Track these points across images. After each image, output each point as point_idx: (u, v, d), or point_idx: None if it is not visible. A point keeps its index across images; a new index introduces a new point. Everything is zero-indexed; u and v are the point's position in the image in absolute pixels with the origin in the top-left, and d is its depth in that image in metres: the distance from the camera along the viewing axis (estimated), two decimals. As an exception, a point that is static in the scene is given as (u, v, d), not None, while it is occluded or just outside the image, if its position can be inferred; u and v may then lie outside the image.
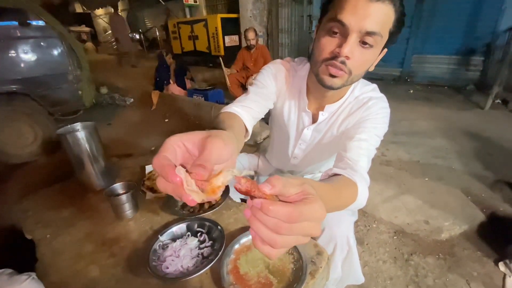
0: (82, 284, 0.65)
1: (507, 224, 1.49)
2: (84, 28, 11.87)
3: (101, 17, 12.74)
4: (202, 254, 0.69)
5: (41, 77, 2.42)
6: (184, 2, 7.42)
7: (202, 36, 6.27)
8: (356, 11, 0.55)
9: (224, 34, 5.86)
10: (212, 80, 5.10)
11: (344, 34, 0.57)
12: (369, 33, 0.56)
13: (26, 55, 2.32)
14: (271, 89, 0.81)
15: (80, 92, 2.69)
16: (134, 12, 11.05)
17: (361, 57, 0.59)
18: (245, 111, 0.73)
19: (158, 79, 4.32)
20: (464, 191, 1.77)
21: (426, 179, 1.94)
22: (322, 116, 0.78)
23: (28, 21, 2.32)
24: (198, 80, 4.95)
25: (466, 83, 4.13)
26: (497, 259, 1.29)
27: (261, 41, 5.08)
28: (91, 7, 11.62)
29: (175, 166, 0.30)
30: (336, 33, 0.58)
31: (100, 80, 4.80)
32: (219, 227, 0.75)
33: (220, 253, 0.66)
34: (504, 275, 1.23)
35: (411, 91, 4.28)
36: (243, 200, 1.04)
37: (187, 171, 0.31)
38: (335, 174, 0.62)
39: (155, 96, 4.11)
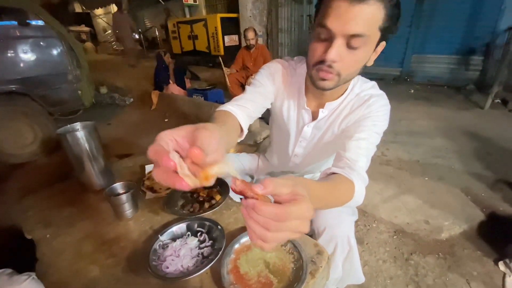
0: (82, 284, 0.65)
1: (507, 223, 1.50)
2: (83, 28, 11.85)
3: (100, 17, 12.73)
4: (202, 253, 0.69)
5: (41, 77, 2.41)
6: (183, 1, 7.41)
7: (201, 36, 6.26)
8: (339, 16, 0.56)
9: (223, 33, 5.85)
10: (212, 80, 5.10)
11: (331, 39, 0.59)
12: (354, 36, 0.57)
13: (26, 55, 2.31)
14: (268, 89, 0.83)
15: (79, 92, 2.69)
16: (134, 11, 11.04)
17: (349, 59, 0.61)
18: (240, 109, 0.75)
19: (157, 79, 4.31)
20: (464, 190, 1.78)
21: (426, 178, 1.94)
22: (322, 113, 0.79)
23: (27, 21, 2.32)
24: (201, 78, 4.94)
25: (466, 83, 4.13)
26: (497, 258, 1.30)
27: (260, 41, 5.07)
28: (91, 7, 11.62)
29: (169, 153, 0.32)
30: (323, 38, 0.60)
31: (99, 80, 4.79)
32: (219, 226, 0.75)
33: (220, 252, 0.66)
34: (504, 274, 1.23)
35: (411, 91, 4.28)
36: (243, 200, 1.04)
37: (181, 156, 0.33)
38: (333, 173, 0.64)
39: (155, 96, 4.11)
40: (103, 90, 4.70)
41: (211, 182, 0.35)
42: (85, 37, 11.65)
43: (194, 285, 0.61)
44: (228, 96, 3.81)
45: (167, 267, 0.64)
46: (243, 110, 0.76)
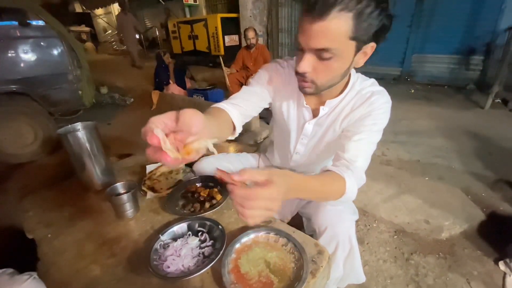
0: (83, 283, 0.65)
1: (507, 223, 1.50)
2: (84, 28, 11.85)
3: (101, 16, 12.73)
4: (203, 253, 0.69)
5: (41, 77, 2.41)
6: (184, 1, 7.41)
7: (202, 35, 6.26)
8: (304, 32, 0.60)
9: (224, 33, 5.85)
10: (212, 80, 5.10)
11: (304, 51, 0.63)
12: (320, 50, 0.60)
13: (26, 55, 2.32)
14: (264, 89, 0.86)
15: (80, 92, 2.69)
16: (134, 11, 11.04)
17: (322, 69, 0.64)
18: (234, 108, 0.78)
19: (157, 79, 4.31)
20: (464, 190, 1.77)
21: (426, 178, 1.94)
22: (323, 110, 0.80)
23: (28, 21, 2.31)
24: (198, 80, 4.94)
25: (466, 83, 4.13)
26: (497, 258, 1.30)
27: (261, 41, 5.07)
28: (91, 7, 11.63)
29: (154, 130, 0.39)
30: (300, 49, 0.64)
31: (100, 80, 4.79)
32: (220, 226, 0.75)
33: (221, 252, 0.66)
34: (504, 274, 1.23)
35: (411, 91, 4.28)
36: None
37: (167, 135, 0.39)
38: (328, 170, 0.69)
39: (155, 95, 4.11)
40: (104, 90, 4.70)
41: (192, 157, 0.41)
42: (86, 37, 11.65)
43: (195, 285, 0.62)
44: (228, 96, 3.79)
45: (168, 267, 0.65)
46: (236, 108, 0.79)
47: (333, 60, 0.61)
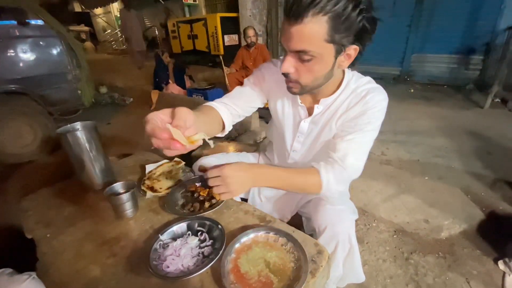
0: (83, 283, 0.65)
1: (507, 222, 1.50)
2: (83, 28, 11.84)
3: (100, 16, 12.71)
4: (202, 253, 0.69)
5: (40, 76, 2.41)
6: (183, 1, 7.41)
7: (201, 35, 6.26)
8: (284, 35, 0.62)
9: (223, 33, 5.85)
10: (212, 80, 5.09)
11: (286, 53, 0.65)
12: (299, 51, 0.62)
13: (25, 54, 2.31)
14: (257, 89, 0.90)
15: (79, 92, 2.68)
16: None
17: (304, 70, 0.66)
18: (224, 107, 0.86)
19: (157, 79, 4.31)
20: (463, 190, 1.78)
21: (426, 178, 1.95)
22: (317, 109, 0.82)
23: (27, 20, 2.31)
24: (198, 80, 4.94)
25: (466, 82, 4.14)
26: (497, 257, 1.30)
27: (260, 40, 5.07)
28: (90, 6, 11.61)
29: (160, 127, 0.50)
30: (285, 51, 0.66)
31: (99, 79, 4.79)
32: (219, 226, 0.75)
33: (220, 252, 0.66)
34: (504, 273, 1.23)
35: (411, 90, 4.28)
36: (243, 199, 1.05)
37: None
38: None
39: (154, 95, 4.11)
40: (103, 89, 4.70)
41: (195, 145, 0.53)
42: (85, 36, 11.65)
43: (195, 285, 0.61)
44: (228, 95, 3.80)
45: (168, 267, 0.64)
46: (227, 107, 0.87)
47: (313, 62, 0.63)
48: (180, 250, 0.68)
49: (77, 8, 12.73)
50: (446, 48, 4.25)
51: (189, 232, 0.76)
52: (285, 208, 0.98)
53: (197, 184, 0.94)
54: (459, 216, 1.56)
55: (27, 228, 0.85)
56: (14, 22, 2.27)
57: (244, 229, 0.75)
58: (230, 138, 2.59)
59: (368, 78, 0.79)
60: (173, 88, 4.12)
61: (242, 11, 5.42)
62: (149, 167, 1.11)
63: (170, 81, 4.22)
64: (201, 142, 0.53)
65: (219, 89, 3.91)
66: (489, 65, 3.87)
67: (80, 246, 0.76)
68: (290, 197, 0.98)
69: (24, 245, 0.82)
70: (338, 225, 0.74)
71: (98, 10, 12.51)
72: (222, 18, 5.78)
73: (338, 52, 0.63)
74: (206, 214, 0.81)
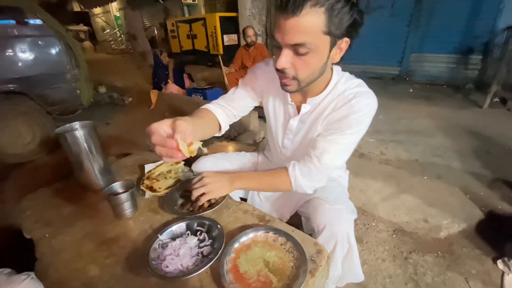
0: (82, 283, 0.64)
1: (506, 222, 1.50)
2: (82, 27, 11.81)
3: (99, 15, 12.68)
4: (201, 253, 0.69)
5: (39, 76, 2.40)
6: (182, 1, 7.39)
7: (200, 35, 6.25)
8: (280, 29, 0.62)
9: (222, 33, 5.85)
10: (211, 79, 5.09)
11: (281, 48, 0.65)
12: (297, 45, 0.62)
13: (24, 54, 2.30)
14: (250, 90, 0.93)
15: (78, 91, 2.68)
16: (133, 10, 11.00)
17: (301, 64, 0.66)
18: (220, 108, 0.92)
19: (156, 79, 4.30)
20: (462, 189, 1.78)
21: (425, 177, 1.95)
22: (304, 108, 0.83)
23: (25, 20, 2.31)
24: (197, 79, 4.94)
25: (465, 82, 4.14)
26: (496, 257, 1.30)
27: (260, 40, 5.07)
28: (89, 6, 11.57)
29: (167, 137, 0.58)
30: (278, 46, 0.66)
31: (98, 79, 4.77)
32: (218, 226, 0.75)
33: (220, 252, 0.66)
34: (503, 272, 1.23)
35: (410, 90, 4.28)
36: (242, 199, 1.05)
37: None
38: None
39: (154, 95, 4.11)
40: (102, 89, 4.69)
41: (193, 154, 0.60)
42: (84, 36, 11.63)
43: (194, 284, 0.61)
44: (227, 95, 3.80)
45: (167, 266, 0.64)
46: (222, 109, 0.92)
47: (310, 55, 0.63)
48: (179, 250, 0.68)
49: (76, 7, 12.67)
50: (445, 47, 4.25)
51: (188, 231, 0.76)
52: (284, 208, 0.99)
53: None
54: (458, 215, 1.56)
55: (26, 228, 0.84)
56: (13, 22, 2.26)
57: (243, 228, 0.75)
58: (229, 138, 2.59)
59: (359, 81, 0.79)
60: (172, 88, 4.12)
61: (242, 11, 5.42)
62: (148, 167, 1.11)
63: (169, 80, 4.21)
64: (198, 151, 0.62)
65: (219, 88, 3.90)
66: (488, 65, 3.87)
67: (79, 246, 0.76)
68: (289, 197, 0.98)
69: (23, 245, 0.81)
70: (336, 225, 0.74)
71: (97, 10, 12.48)
72: (221, 18, 5.78)
73: (332, 45, 0.65)
74: (205, 214, 0.81)
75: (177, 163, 1.10)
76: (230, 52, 4.85)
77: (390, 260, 1.34)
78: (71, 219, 0.87)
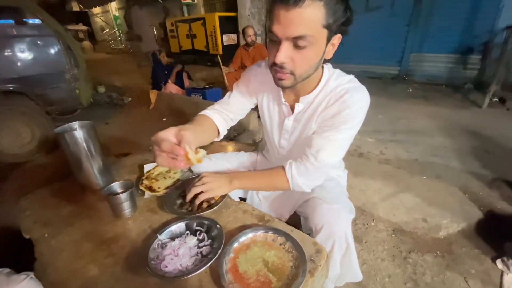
0: (81, 283, 0.64)
1: (505, 221, 1.50)
2: (81, 27, 11.80)
3: (98, 15, 12.67)
4: (201, 252, 0.69)
5: (38, 76, 2.40)
6: (182, 0, 7.39)
7: (200, 34, 6.25)
8: (279, 22, 0.61)
9: (222, 32, 5.85)
10: (210, 79, 5.09)
11: (279, 42, 0.64)
12: (297, 38, 0.61)
13: (23, 54, 2.30)
14: (244, 93, 0.95)
15: (77, 91, 2.68)
16: (132, 10, 10.99)
17: (299, 58, 0.66)
18: (217, 113, 0.94)
19: (155, 79, 4.30)
20: (462, 189, 1.78)
21: (424, 177, 1.95)
22: (298, 107, 0.84)
23: (24, 20, 2.30)
24: (196, 79, 4.94)
25: (464, 82, 4.15)
26: (495, 256, 1.30)
27: (259, 40, 5.07)
28: (88, 6, 11.56)
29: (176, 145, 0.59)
30: (275, 40, 0.66)
31: (97, 79, 4.78)
32: (218, 225, 0.75)
33: (219, 251, 0.66)
34: (502, 272, 1.24)
35: (410, 90, 4.29)
36: (242, 199, 1.05)
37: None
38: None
39: (153, 95, 4.10)
40: (101, 89, 4.68)
41: (201, 162, 0.63)
42: (83, 36, 11.62)
43: (193, 284, 0.61)
44: (226, 95, 3.80)
45: (166, 266, 0.64)
46: (219, 114, 0.95)
47: (308, 49, 0.64)
48: (179, 250, 0.68)
49: (75, 7, 12.66)
50: (444, 47, 4.26)
51: (188, 231, 0.76)
52: (283, 207, 0.99)
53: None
54: (458, 215, 1.57)
55: (25, 228, 0.84)
56: (12, 21, 2.26)
57: (243, 228, 0.75)
58: (229, 138, 2.59)
59: (350, 77, 0.79)
60: (172, 88, 4.12)
61: (241, 11, 5.42)
62: (147, 167, 1.11)
63: (169, 80, 4.21)
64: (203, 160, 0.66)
65: (218, 88, 3.91)
66: (487, 64, 3.88)
67: (78, 246, 0.76)
68: (288, 196, 0.98)
69: (22, 245, 0.81)
70: (334, 224, 0.74)
71: (96, 10, 12.47)
72: (220, 18, 5.77)
73: (328, 40, 0.65)
74: (205, 213, 0.81)
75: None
76: (230, 52, 4.85)
77: (389, 260, 1.35)
78: (70, 219, 0.87)
